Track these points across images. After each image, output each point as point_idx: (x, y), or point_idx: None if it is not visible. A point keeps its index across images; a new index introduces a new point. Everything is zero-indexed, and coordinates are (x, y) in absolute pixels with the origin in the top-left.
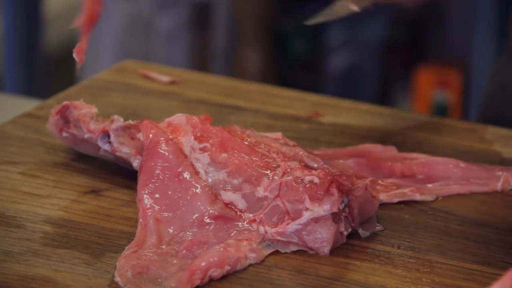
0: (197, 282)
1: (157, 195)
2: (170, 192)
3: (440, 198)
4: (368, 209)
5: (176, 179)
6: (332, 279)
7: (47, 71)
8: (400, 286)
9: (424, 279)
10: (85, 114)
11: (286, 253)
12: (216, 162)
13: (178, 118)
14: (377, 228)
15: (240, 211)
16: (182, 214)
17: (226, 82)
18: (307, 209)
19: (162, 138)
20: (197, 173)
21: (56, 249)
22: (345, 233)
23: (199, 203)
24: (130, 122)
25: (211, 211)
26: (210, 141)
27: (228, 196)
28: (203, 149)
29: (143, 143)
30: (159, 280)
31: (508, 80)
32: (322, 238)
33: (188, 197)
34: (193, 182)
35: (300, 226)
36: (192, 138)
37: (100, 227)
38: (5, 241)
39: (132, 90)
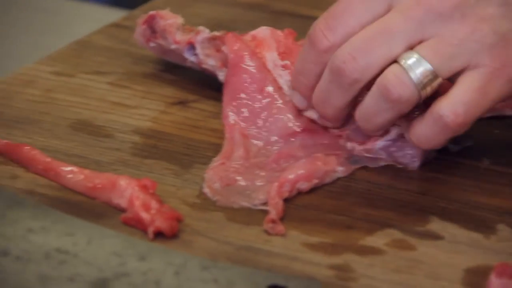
0: (286, 194)
1: (242, 111)
2: (255, 107)
3: None
4: None
5: (261, 93)
6: (421, 193)
7: None
8: (490, 202)
9: None
10: (171, 24)
11: (375, 167)
12: None
13: (263, 31)
14: (467, 143)
15: (326, 127)
16: (268, 127)
17: None
18: (395, 125)
19: (246, 53)
20: (280, 88)
21: (145, 159)
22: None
23: (284, 117)
24: (216, 33)
25: (296, 124)
26: (292, 58)
27: (313, 112)
28: (284, 66)
29: (227, 55)
30: (247, 192)
31: None
32: (412, 153)
33: (274, 111)
34: (277, 96)
35: (389, 142)
36: (276, 53)
37: (188, 138)
38: (95, 150)
39: (218, 1)
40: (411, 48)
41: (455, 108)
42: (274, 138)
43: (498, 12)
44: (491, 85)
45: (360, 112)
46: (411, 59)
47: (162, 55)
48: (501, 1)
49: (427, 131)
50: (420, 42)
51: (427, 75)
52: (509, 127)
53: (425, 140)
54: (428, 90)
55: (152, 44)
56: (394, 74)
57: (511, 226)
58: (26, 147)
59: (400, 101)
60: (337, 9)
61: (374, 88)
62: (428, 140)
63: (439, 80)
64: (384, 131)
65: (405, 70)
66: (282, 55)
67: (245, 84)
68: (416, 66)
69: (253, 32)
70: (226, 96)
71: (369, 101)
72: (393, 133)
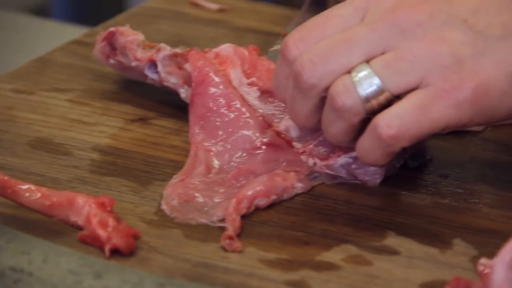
0: (243, 211)
1: (209, 127)
2: (222, 123)
3: (489, 128)
4: (421, 141)
5: (228, 109)
6: (379, 209)
7: None
8: (445, 216)
9: (471, 209)
10: (131, 41)
11: (333, 184)
12: (265, 94)
13: (226, 48)
14: (424, 158)
15: (291, 140)
16: (233, 143)
17: (275, 10)
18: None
19: (210, 70)
20: (247, 103)
21: (103, 176)
22: (397, 165)
23: (250, 131)
24: (177, 51)
25: (261, 139)
26: (257, 74)
27: (284, 121)
28: (250, 84)
29: (190, 73)
30: (205, 208)
31: None
32: (374, 171)
33: (240, 125)
34: (244, 110)
35: (351, 160)
36: (240, 70)
37: (147, 155)
38: (53, 168)
39: (180, 18)
40: (370, 59)
41: (389, 119)
42: (239, 153)
43: (460, 38)
44: (435, 106)
45: (322, 121)
46: (362, 72)
47: (122, 72)
48: (466, 28)
49: (365, 143)
50: (380, 55)
51: (374, 89)
52: (466, 143)
53: (364, 153)
54: (374, 103)
55: (111, 61)
56: (343, 84)
57: (466, 241)
58: None
59: (343, 110)
60: (311, 23)
61: (327, 96)
62: (367, 153)
63: (386, 95)
64: (350, 143)
65: (353, 81)
66: (247, 72)
67: (212, 101)
68: (365, 79)
69: (216, 49)
70: (192, 114)
71: (324, 109)
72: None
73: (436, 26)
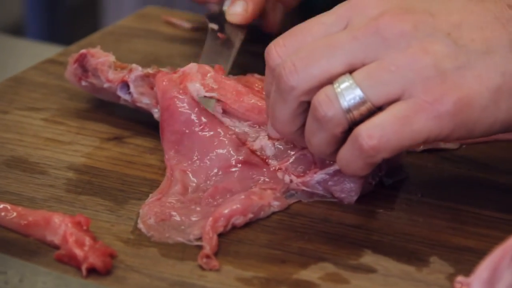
0: (220, 229)
1: (183, 152)
2: (195, 145)
3: (464, 146)
4: (396, 159)
5: (200, 129)
6: (355, 227)
7: (70, 17)
8: (422, 234)
9: (447, 227)
10: (103, 63)
11: (310, 202)
12: (231, 114)
13: (190, 67)
14: (400, 176)
15: (267, 158)
16: (208, 162)
17: (250, 28)
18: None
19: (174, 93)
20: (220, 123)
21: (79, 195)
22: (373, 182)
23: (224, 150)
24: (149, 71)
25: (236, 157)
26: (222, 92)
27: (259, 140)
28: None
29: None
30: (182, 227)
31: None
32: (350, 188)
33: (214, 144)
34: (218, 129)
35: (327, 176)
36: (199, 84)
37: (123, 174)
38: (28, 187)
39: (154, 36)
40: (352, 68)
41: (371, 130)
42: (214, 171)
43: (443, 50)
44: (417, 117)
45: (305, 131)
46: (344, 83)
47: (94, 93)
48: (450, 41)
49: (347, 153)
50: (362, 63)
51: (356, 100)
52: (442, 160)
53: (345, 163)
54: (356, 113)
55: (84, 83)
56: (325, 94)
57: (443, 258)
58: None
59: (325, 120)
60: (295, 29)
61: (310, 106)
62: (348, 163)
63: (368, 105)
64: (331, 155)
65: (335, 92)
66: (209, 86)
67: (182, 125)
68: (347, 90)
69: (183, 69)
70: (165, 140)
71: (308, 119)
72: (334, 166)
73: (420, 37)
